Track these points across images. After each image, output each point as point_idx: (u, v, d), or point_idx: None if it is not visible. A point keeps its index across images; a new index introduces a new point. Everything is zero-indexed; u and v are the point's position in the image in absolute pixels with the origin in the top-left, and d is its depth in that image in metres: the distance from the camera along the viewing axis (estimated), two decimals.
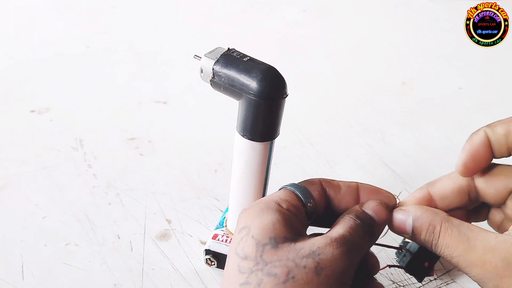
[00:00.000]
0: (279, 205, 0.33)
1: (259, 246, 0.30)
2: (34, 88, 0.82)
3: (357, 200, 0.36)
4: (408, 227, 0.33)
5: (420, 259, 0.37)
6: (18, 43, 0.95)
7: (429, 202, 0.35)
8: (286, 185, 0.35)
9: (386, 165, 0.67)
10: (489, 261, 0.30)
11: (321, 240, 0.30)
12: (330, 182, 0.36)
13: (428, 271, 0.38)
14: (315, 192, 0.35)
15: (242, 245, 0.30)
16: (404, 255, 0.39)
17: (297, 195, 0.34)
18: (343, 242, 0.30)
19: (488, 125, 0.35)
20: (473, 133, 0.35)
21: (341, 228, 0.32)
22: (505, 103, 0.84)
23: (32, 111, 0.75)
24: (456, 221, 0.32)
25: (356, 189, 0.36)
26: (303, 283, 0.28)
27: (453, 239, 0.32)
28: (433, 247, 0.33)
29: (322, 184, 0.36)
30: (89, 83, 0.84)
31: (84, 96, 0.80)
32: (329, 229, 0.33)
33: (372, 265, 0.35)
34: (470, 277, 0.32)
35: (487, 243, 0.31)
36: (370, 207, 0.34)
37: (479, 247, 0.31)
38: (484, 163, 0.34)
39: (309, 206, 0.34)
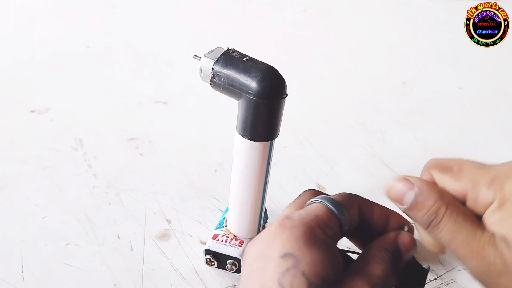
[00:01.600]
0: (324, 232, 0.30)
1: None
2: (34, 88, 0.82)
3: (386, 226, 0.35)
4: (407, 199, 0.32)
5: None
6: (18, 43, 0.95)
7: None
8: (322, 199, 0.32)
9: (386, 165, 0.67)
10: (488, 257, 0.29)
11: None
12: (366, 204, 0.34)
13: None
14: (353, 216, 0.33)
15: (290, 279, 0.28)
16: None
17: (336, 216, 0.32)
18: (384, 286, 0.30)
19: (439, 170, 0.34)
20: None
21: (380, 269, 0.31)
22: (505, 103, 0.84)
23: (32, 111, 0.75)
24: (461, 207, 0.31)
25: (388, 216, 0.35)
26: None
27: (456, 225, 0.30)
28: (431, 228, 0.31)
29: (359, 204, 0.34)
30: (89, 83, 0.84)
31: (84, 96, 0.80)
32: (360, 252, 0.33)
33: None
34: (467, 268, 0.31)
35: (489, 238, 0.30)
36: (404, 244, 0.33)
37: (480, 239, 0.30)
38: None
39: (345, 229, 0.32)
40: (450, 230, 0.31)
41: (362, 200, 0.34)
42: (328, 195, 0.33)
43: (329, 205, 0.32)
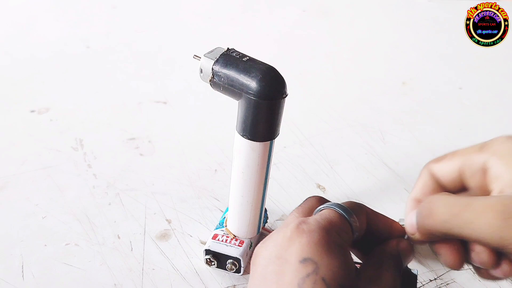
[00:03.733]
0: (341, 237, 0.31)
1: None
2: (34, 88, 0.82)
3: (389, 235, 0.35)
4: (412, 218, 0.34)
5: None
6: (18, 43, 0.95)
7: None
8: (334, 206, 0.33)
9: (386, 165, 0.67)
10: (489, 216, 0.29)
11: None
12: (373, 213, 0.35)
13: None
14: (362, 224, 0.33)
15: (310, 285, 0.28)
16: None
17: (348, 222, 0.32)
18: None
19: (435, 161, 0.35)
20: (420, 175, 0.36)
21: (390, 277, 0.31)
22: (505, 103, 0.84)
23: (32, 111, 0.75)
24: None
25: (391, 225, 0.36)
26: None
27: (449, 200, 0.31)
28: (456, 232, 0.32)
29: (367, 213, 0.34)
30: (89, 83, 0.84)
31: (84, 96, 0.80)
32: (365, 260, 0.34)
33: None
34: (471, 238, 0.30)
35: (485, 200, 0.30)
36: (405, 250, 0.34)
37: (477, 205, 0.30)
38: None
39: (355, 233, 0.33)
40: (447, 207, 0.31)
41: (369, 209, 0.35)
42: (333, 202, 0.34)
43: (340, 211, 0.32)
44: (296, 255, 0.29)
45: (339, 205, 0.33)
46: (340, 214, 0.32)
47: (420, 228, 0.33)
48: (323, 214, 0.32)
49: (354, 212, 0.33)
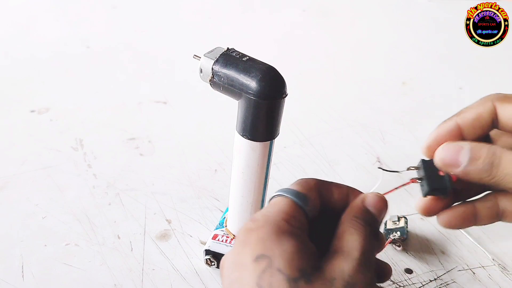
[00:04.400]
0: (291, 224, 0.30)
1: (291, 282, 0.27)
2: (34, 88, 0.82)
3: (347, 202, 0.34)
4: (463, 157, 0.32)
5: (434, 171, 0.35)
6: (18, 43, 0.95)
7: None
8: (283, 192, 0.32)
9: (386, 165, 0.67)
10: None
11: (348, 267, 0.28)
12: (325, 185, 0.34)
13: (449, 180, 0.34)
14: (313, 201, 0.32)
15: (268, 279, 0.27)
16: (422, 185, 0.36)
17: (298, 205, 0.31)
18: (367, 260, 0.29)
19: (458, 113, 0.35)
20: (443, 121, 0.35)
21: (357, 241, 0.30)
22: None
23: (32, 111, 0.75)
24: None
25: (347, 192, 0.34)
26: None
27: None
28: (490, 175, 0.32)
29: (318, 188, 0.33)
30: (89, 83, 0.84)
31: (84, 96, 0.80)
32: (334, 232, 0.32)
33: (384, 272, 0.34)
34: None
35: None
36: (372, 204, 0.32)
37: None
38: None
39: (310, 214, 0.32)
40: (509, 172, 0.31)
41: (319, 182, 0.34)
42: (283, 188, 0.33)
43: (290, 196, 0.32)
44: (249, 255, 0.29)
45: (289, 190, 0.32)
46: (290, 199, 0.31)
47: (468, 172, 0.32)
48: (271, 204, 0.32)
49: (305, 192, 0.32)
